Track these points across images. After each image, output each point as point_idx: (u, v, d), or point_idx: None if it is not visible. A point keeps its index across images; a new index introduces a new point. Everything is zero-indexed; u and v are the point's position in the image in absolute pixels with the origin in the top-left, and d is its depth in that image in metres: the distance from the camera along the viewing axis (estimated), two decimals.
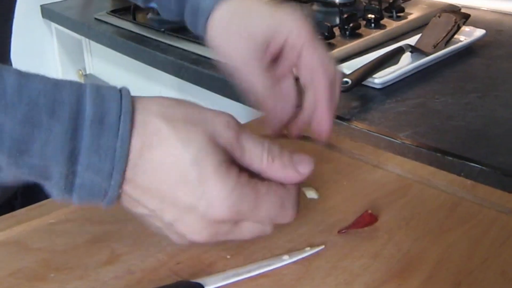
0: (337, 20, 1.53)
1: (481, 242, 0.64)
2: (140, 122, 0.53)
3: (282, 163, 0.57)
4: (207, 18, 0.77)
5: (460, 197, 0.73)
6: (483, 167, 0.86)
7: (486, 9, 1.67)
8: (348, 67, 1.21)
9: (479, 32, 1.38)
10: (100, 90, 0.53)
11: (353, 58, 1.29)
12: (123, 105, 0.52)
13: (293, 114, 0.77)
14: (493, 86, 1.15)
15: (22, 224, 0.70)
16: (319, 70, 0.73)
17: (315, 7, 1.77)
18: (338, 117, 1.04)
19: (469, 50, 1.34)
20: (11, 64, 0.91)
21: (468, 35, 1.38)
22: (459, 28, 1.36)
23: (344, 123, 1.03)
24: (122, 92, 0.54)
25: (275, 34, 0.74)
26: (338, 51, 1.34)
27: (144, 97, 0.56)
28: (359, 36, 1.44)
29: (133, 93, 0.54)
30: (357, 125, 1.02)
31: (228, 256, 0.63)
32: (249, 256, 0.63)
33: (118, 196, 0.54)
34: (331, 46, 1.37)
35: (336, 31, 1.44)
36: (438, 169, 0.80)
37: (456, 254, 0.63)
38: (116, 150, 0.52)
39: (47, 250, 0.65)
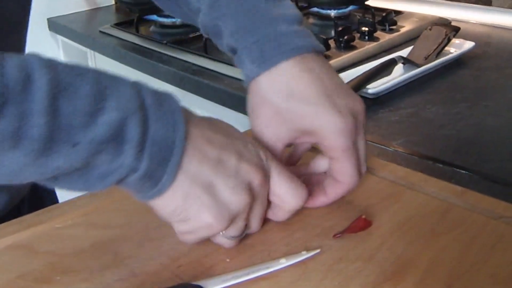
0: (332, 33, 1.53)
1: (471, 247, 0.64)
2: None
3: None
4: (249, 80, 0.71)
5: (450, 203, 0.73)
6: (473, 174, 0.86)
7: (475, 22, 1.68)
8: (343, 78, 1.21)
9: (468, 45, 1.38)
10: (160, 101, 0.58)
11: (347, 69, 1.29)
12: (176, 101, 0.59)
13: None
14: (482, 96, 1.15)
15: (30, 228, 0.70)
16: (344, 180, 0.70)
17: (311, 20, 1.77)
18: None
19: (459, 61, 1.34)
20: None
21: (458, 47, 1.38)
22: (449, 40, 1.36)
23: None
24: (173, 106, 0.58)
25: (310, 135, 0.69)
26: (333, 62, 1.34)
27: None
28: (353, 48, 1.44)
29: None
30: None
31: (228, 259, 0.64)
32: (248, 259, 0.63)
33: (184, 149, 0.57)
34: (327, 58, 1.37)
35: (331, 43, 1.44)
36: (430, 176, 0.80)
37: (447, 258, 0.62)
38: (175, 112, 0.57)
39: (53, 253, 0.66)
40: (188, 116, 0.59)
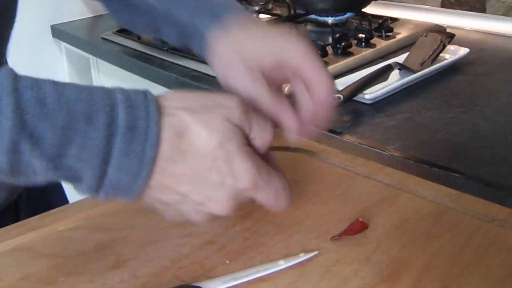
0: (330, 40, 1.53)
1: (465, 249, 0.64)
2: (166, 118, 0.57)
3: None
4: (202, 42, 0.76)
5: (445, 206, 0.73)
6: (467, 178, 0.86)
7: (469, 29, 1.68)
8: (340, 84, 1.21)
9: (463, 51, 1.38)
10: (130, 97, 0.56)
11: (345, 75, 1.29)
12: (150, 110, 0.56)
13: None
14: (476, 101, 1.16)
15: (34, 231, 0.71)
16: (318, 79, 0.70)
17: (309, 27, 1.77)
18: (331, 131, 1.05)
19: (454, 67, 1.35)
20: None
21: (453, 53, 1.38)
22: (444, 47, 1.36)
23: (336, 136, 1.03)
24: (147, 97, 0.57)
25: (279, 62, 0.71)
26: (331, 68, 1.35)
27: (163, 94, 0.60)
28: (351, 54, 1.44)
29: None
30: (348, 138, 1.02)
31: (228, 261, 0.64)
32: (247, 261, 0.64)
33: (142, 192, 0.57)
34: (325, 64, 1.37)
35: (329, 49, 1.45)
36: (425, 179, 0.80)
37: (441, 260, 0.63)
38: (145, 153, 0.55)
39: (57, 255, 0.66)
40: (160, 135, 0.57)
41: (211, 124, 0.58)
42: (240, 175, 0.58)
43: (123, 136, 0.54)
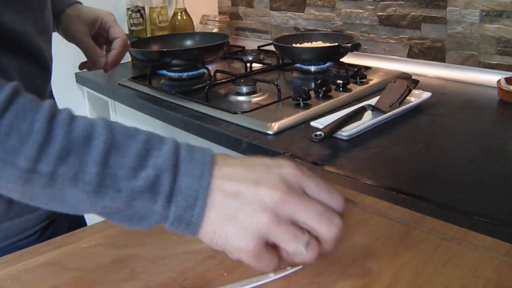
0: (313, 85, 1.54)
1: (428, 263, 0.64)
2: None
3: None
4: (60, 18, 1.09)
5: (410, 227, 0.73)
6: (429, 203, 0.86)
7: (432, 76, 1.69)
8: (321, 123, 1.22)
9: (426, 95, 1.39)
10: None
11: (325, 115, 1.29)
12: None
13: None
14: (437, 138, 1.16)
15: (60, 248, 0.70)
16: (119, 35, 1.14)
17: (295, 74, 1.78)
18: (313, 163, 1.05)
19: (418, 109, 1.35)
20: None
21: (417, 97, 1.39)
22: (410, 91, 1.37)
23: (318, 167, 1.04)
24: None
25: (96, 20, 1.12)
26: (314, 109, 1.35)
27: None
28: (330, 97, 1.45)
29: None
30: (328, 169, 1.02)
31: (225, 274, 0.64)
32: (242, 274, 0.63)
33: (207, 194, 0.57)
34: (308, 106, 1.38)
35: (312, 93, 1.45)
36: (393, 204, 0.80)
37: (407, 273, 0.63)
38: (203, 164, 0.58)
39: (80, 269, 0.66)
40: (218, 160, 0.60)
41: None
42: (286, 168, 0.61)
43: (186, 153, 0.59)
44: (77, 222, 1.03)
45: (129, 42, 1.18)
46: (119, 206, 0.56)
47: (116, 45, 1.13)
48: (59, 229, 0.95)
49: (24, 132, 0.52)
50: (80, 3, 1.14)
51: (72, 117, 0.56)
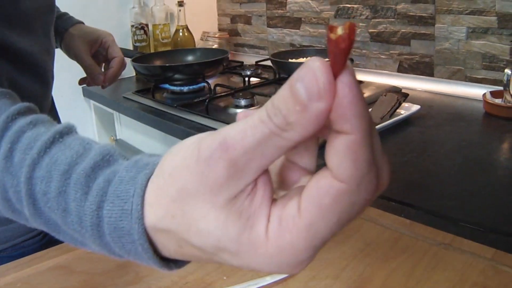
0: None
1: (417, 267, 0.65)
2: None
3: None
4: (63, 36, 1.12)
5: (400, 233, 0.74)
6: (418, 210, 0.86)
7: (420, 89, 1.70)
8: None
9: (415, 108, 1.39)
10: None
11: None
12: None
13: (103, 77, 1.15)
14: (426, 148, 1.17)
15: (69, 253, 0.71)
16: (117, 55, 1.16)
17: None
18: None
19: (408, 121, 1.36)
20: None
21: (407, 109, 1.40)
22: (400, 104, 1.37)
23: None
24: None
25: (97, 40, 1.14)
26: None
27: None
28: None
29: (152, 152, 0.50)
30: None
31: (225, 277, 0.64)
32: (240, 277, 0.64)
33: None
34: None
35: None
36: (384, 211, 0.81)
37: (398, 276, 0.63)
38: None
39: (87, 273, 0.66)
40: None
41: None
42: None
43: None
44: None
45: (125, 62, 1.21)
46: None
47: (114, 64, 1.16)
48: None
49: None
50: (82, 22, 1.18)
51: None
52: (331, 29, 0.27)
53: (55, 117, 1.05)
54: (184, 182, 0.33)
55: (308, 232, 0.32)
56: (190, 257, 0.38)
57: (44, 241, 0.88)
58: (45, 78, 0.88)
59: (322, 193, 0.31)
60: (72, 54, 1.14)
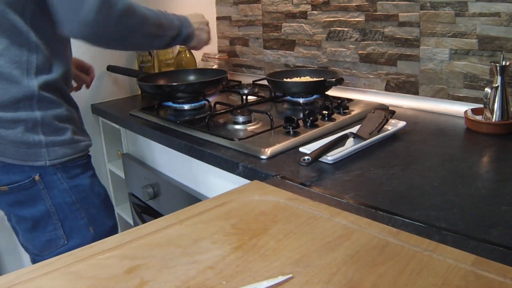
0: (301, 115, 1.54)
1: (403, 272, 0.65)
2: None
3: None
4: None
5: (388, 240, 0.74)
6: (405, 219, 0.86)
7: (406, 107, 1.70)
8: (309, 148, 1.23)
9: (401, 124, 1.40)
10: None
11: (312, 142, 1.30)
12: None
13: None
14: (411, 161, 1.17)
15: (78, 259, 0.71)
16: (90, 65, 1.66)
17: (286, 105, 1.79)
18: (302, 184, 1.05)
19: (394, 136, 1.36)
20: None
21: (393, 125, 1.40)
22: (387, 120, 1.37)
23: (306, 188, 1.04)
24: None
25: (79, 63, 1.64)
26: (302, 137, 1.36)
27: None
28: (317, 126, 1.45)
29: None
30: (315, 189, 1.03)
31: (224, 282, 0.64)
32: (239, 282, 0.64)
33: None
34: (297, 133, 1.38)
35: (300, 122, 1.45)
36: (372, 220, 0.80)
37: (385, 281, 0.63)
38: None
39: (95, 278, 0.66)
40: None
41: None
42: None
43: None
44: None
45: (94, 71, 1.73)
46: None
47: (90, 72, 1.69)
48: None
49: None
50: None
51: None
52: None
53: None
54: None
55: None
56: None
57: None
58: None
59: None
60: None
